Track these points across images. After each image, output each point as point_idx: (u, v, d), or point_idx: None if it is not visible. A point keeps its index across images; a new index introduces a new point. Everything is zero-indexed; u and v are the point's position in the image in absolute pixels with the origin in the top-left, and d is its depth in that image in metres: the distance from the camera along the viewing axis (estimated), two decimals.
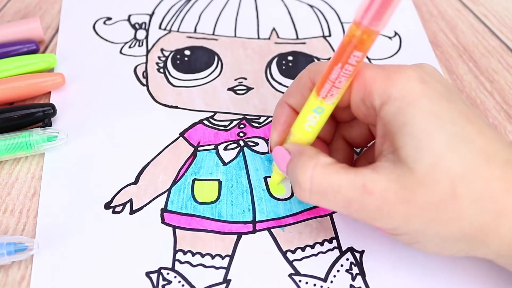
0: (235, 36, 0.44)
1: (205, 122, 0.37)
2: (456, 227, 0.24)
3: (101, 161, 0.35)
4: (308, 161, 0.27)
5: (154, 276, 0.29)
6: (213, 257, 0.30)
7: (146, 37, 0.44)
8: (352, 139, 0.32)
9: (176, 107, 0.38)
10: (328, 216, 0.32)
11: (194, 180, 0.33)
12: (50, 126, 0.36)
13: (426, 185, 0.24)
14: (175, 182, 0.33)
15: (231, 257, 0.30)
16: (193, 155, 0.35)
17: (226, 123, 0.37)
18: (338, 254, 0.30)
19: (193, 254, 0.30)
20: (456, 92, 0.27)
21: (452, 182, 0.24)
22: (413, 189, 0.24)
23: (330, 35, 0.44)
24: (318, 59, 0.42)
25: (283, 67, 0.41)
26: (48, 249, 0.30)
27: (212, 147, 0.35)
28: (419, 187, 0.24)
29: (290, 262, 0.30)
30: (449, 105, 0.25)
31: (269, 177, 0.34)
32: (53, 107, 0.36)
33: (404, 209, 0.25)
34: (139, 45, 0.43)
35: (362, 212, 0.26)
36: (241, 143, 0.36)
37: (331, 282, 0.29)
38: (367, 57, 0.42)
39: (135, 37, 0.43)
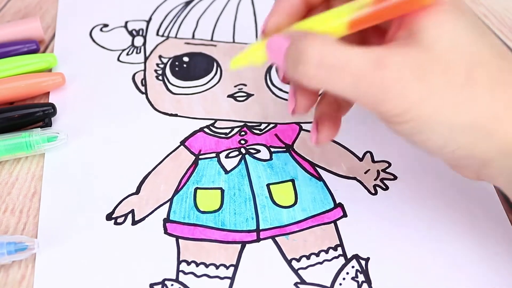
0: (233, 41, 0.43)
1: (206, 130, 0.37)
2: (468, 113, 0.24)
3: (101, 164, 0.34)
4: (316, 37, 0.25)
5: None
6: (217, 267, 0.30)
7: (144, 43, 0.43)
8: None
9: (176, 115, 0.38)
10: (333, 224, 0.32)
11: (196, 189, 0.33)
12: (50, 126, 0.36)
13: (444, 66, 0.24)
14: (177, 191, 0.33)
15: (236, 266, 0.30)
16: (195, 163, 0.35)
17: (227, 130, 0.37)
18: (344, 261, 0.30)
19: (197, 265, 0.30)
20: None
21: (470, 65, 0.24)
22: (429, 68, 0.24)
23: None
24: None
25: None
26: (48, 249, 0.30)
27: (214, 155, 0.35)
28: (436, 67, 0.24)
29: (295, 271, 0.30)
30: (469, 8, 0.26)
31: (272, 184, 0.33)
32: (53, 106, 0.36)
33: (418, 88, 0.24)
34: (137, 52, 0.42)
35: (372, 90, 0.24)
36: (243, 150, 0.35)
37: None
38: None
39: (132, 44, 0.43)
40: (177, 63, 0.41)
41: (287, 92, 0.39)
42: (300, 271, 0.30)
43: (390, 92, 0.24)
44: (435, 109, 0.24)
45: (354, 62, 0.24)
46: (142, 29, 0.45)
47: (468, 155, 0.25)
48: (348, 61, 0.24)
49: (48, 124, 0.36)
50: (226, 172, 0.34)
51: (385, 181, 0.34)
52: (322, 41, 0.25)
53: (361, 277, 0.29)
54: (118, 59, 0.42)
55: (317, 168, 0.34)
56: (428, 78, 0.24)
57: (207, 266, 0.30)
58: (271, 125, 0.37)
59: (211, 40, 0.43)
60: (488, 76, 0.24)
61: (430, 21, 0.24)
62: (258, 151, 0.35)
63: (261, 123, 0.37)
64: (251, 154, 0.35)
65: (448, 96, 0.24)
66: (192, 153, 0.35)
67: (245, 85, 0.40)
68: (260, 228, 0.31)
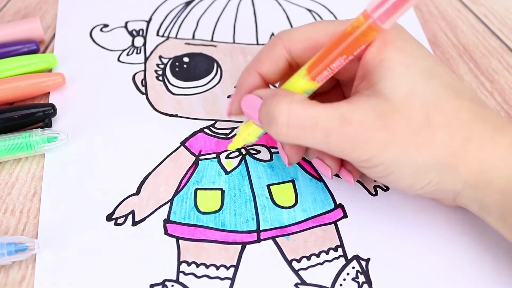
0: (233, 42, 0.43)
1: (206, 130, 0.37)
2: (430, 153, 0.26)
3: (101, 165, 0.34)
4: (284, 98, 0.27)
5: None
6: (217, 267, 0.30)
7: (144, 44, 0.43)
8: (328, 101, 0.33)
9: (176, 115, 0.38)
10: (333, 224, 0.32)
11: (196, 189, 0.33)
12: (51, 126, 0.36)
13: (402, 112, 0.26)
14: (177, 192, 0.33)
15: (236, 267, 0.30)
16: (195, 164, 0.35)
17: (227, 131, 0.37)
18: (344, 262, 0.30)
19: (198, 265, 0.30)
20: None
21: (426, 109, 0.26)
22: (390, 116, 0.26)
23: None
24: None
25: None
26: (49, 250, 0.30)
27: (214, 156, 0.35)
28: (395, 114, 0.26)
29: (296, 272, 0.30)
30: (420, 47, 0.28)
31: (273, 184, 0.33)
32: (53, 107, 0.36)
33: (381, 136, 0.26)
34: (137, 53, 0.42)
35: (340, 142, 0.26)
36: (243, 151, 0.35)
37: None
38: None
39: (132, 44, 0.43)
40: (177, 63, 0.41)
41: None
42: (300, 272, 0.30)
43: (356, 143, 0.26)
44: (399, 153, 0.26)
45: (321, 119, 0.26)
46: (142, 30, 0.44)
47: (439, 189, 0.28)
48: (316, 118, 0.26)
49: (48, 125, 0.36)
50: (227, 172, 0.34)
51: None
52: (290, 101, 0.27)
53: (361, 278, 0.29)
54: (118, 60, 0.42)
55: None
56: (389, 125, 0.26)
57: (207, 266, 0.30)
58: None
59: (211, 40, 0.43)
60: (444, 116, 0.26)
61: (387, 72, 0.26)
62: (259, 151, 0.35)
63: None
64: (251, 155, 0.35)
65: (409, 140, 0.26)
66: (192, 153, 0.35)
67: None
68: (261, 229, 0.31)
